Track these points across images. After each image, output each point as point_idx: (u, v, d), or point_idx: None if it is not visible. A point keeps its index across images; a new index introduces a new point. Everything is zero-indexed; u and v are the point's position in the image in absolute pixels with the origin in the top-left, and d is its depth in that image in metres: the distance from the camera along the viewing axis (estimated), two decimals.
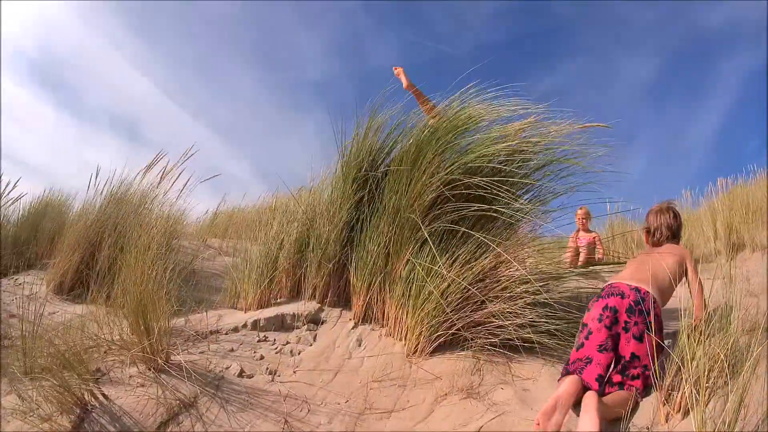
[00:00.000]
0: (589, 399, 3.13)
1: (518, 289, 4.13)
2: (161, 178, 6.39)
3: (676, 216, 4.21)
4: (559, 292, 4.47)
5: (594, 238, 8.41)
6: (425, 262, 4.38)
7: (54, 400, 3.82)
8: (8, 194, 6.79)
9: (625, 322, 3.36)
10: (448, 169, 4.52)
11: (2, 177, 5.70)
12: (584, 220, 8.60)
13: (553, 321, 3.95)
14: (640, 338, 3.31)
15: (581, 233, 8.52)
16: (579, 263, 7.09)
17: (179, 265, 5.32)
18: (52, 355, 4.21)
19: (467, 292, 4.12)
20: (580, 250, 7.98)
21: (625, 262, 4.47)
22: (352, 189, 5.31)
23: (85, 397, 3.87)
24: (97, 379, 4.16)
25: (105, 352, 4.58)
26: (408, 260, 4.56)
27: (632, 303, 3.36)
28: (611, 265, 5.32)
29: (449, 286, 4.15)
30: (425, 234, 4.40)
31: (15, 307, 6.55)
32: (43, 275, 7.56)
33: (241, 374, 4.34)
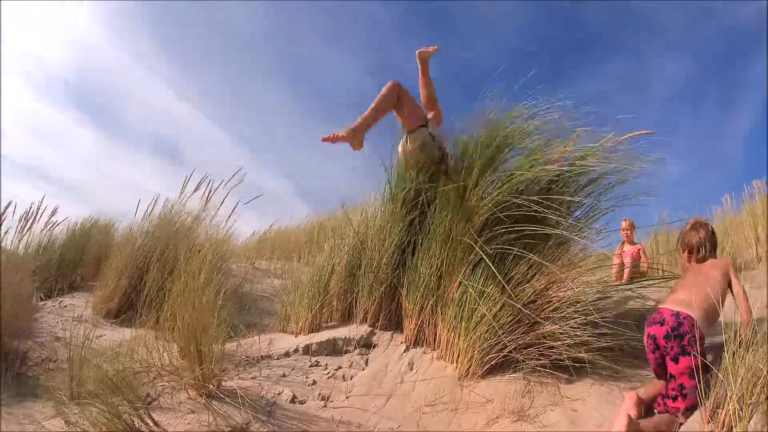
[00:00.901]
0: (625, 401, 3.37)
1: (569, 309, 4.10)
2: (206, 200, 6.35)
3: (712, 230, 4.26)
4: (608, 310, 4.44)
5: (639, 250, 8.31)
6: (478, 284, 4.37)
7: (102, 425, 3.79)
8: (52, 218, 6.72)
9: (664, 347, 3.46)
10: (499, 191, 4.55)
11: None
12: (629, 232, 8.51)
13: (604, 339, 3.94)
14: (675, 360, 3.40)
15: (626, 246, 8.40)
16: (624, 277, 6.90)
17: (228, 289, 5.19)
18: (101, 380, 4.21)
19: (519, 313, 4.12)
20: (625, 264, 7.81)
21: (671, 276, 4.36)
22: (402, 211, 5.35)
23: (135, 423, 3.87)
24: (147, 404, 4.17)
25: (154, 378, 4.56)
26: (460, 283, 4.54)
27: (669, 329, 3.45)
28: (658, 280, 5.12)
29: (501, 308, 4.16)
30: (480, 254, 4.42)
31: (60, 329, 6.57)
32: (89, 297, 7.64)
33: (293, 400, 4.34)
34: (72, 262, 9.43)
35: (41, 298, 7.74)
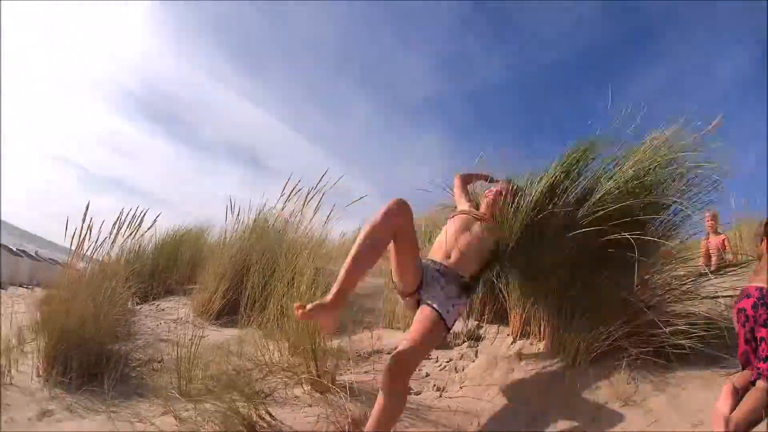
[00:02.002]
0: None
1: (667, 297, 4.41)
2: (304, 203, 6.44)
3: None
4: (702, 298, 4.59)
5: (723, 240, 8.29)
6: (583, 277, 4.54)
7: (217, 420, 4.04)
8: (140, 227, 6.89)
9: (753, 317, 3.60)
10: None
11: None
12: (713, 223, 8.48)
13: (699, 327, 4.10)
14: (765, 324, 3.54)
15: (711, 237, 8.37)
16: (711, 268, 6.92)
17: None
18: (213, 377, 4.32)
19: (623, 304, 4.30)
20: (711, 254, 7.81)
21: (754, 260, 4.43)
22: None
23: (253, 417, 4.07)
24: (263, 399, 4.36)
25: (266, 375, 4.83)
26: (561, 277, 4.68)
27: (756, 299, 3.62)
28: (743, 267, 5.16)
29: (606, 299, 4.33)
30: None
31: (162, 331, 6.71)
32: (185, 301, 7.80)
33: (409, 390, 4.47)
34: (165, 267, 9.84)
35: (137, 303, 7.93)
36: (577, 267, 4.57)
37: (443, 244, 4.42)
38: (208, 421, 4.08)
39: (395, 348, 4.93)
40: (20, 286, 13.23)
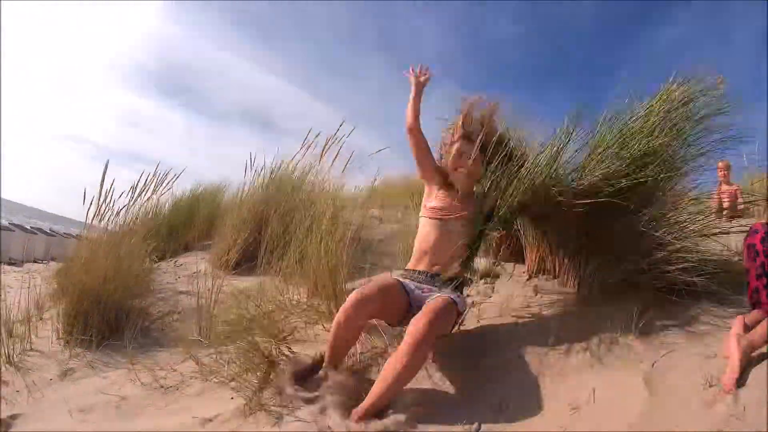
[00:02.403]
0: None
1: (680, 234, 4.34)
2: (322, 153, 6.50)
3: None
4: (714, 234, 4.63)
5: (736, 190, 8.29)
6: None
7: (239, 361, 4.13)
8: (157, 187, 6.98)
9: (764, 252, 3.57)
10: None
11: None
12: (725, 173, 8.47)
13: (711, 265, 4.14)
14: None
15: (723, 186, 8.37)
16: (723, 216, 6.93)
17: (348, 234, 5.60)
18: (233, 322, 4.42)
19: (636, 240, 4.32)
20: (724, 203, 7.83)
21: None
22: None
23: (273, 353, 4.16)
24: (285, 337, 4.58)
25: (285, 317, 4.96)
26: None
27: (764, 234, 3.61)
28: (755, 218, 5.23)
29: (618, 235, 4.37)
30: None
31: (181, 284, 6.84)
32: (203, 256, 7.89)
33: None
34: (183, 225, 9.95)
35: (155, 261, 8.03)
36: (589, 215, 4.51)
37: (424, 255, 4.27)
38: (229, 363, 4.20)
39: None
40: (35, 261, 13.35)
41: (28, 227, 18.33)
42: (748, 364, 3.08)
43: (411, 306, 3.97)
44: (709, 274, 4.05)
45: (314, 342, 4.60)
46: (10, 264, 12.59)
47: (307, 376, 3.82)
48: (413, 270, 4.26)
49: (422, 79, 4.63)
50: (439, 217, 4.29)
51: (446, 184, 4.52)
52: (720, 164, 8.46)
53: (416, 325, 3.47)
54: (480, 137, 4.35)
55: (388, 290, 3.90)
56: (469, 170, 4.39)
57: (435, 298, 3.79)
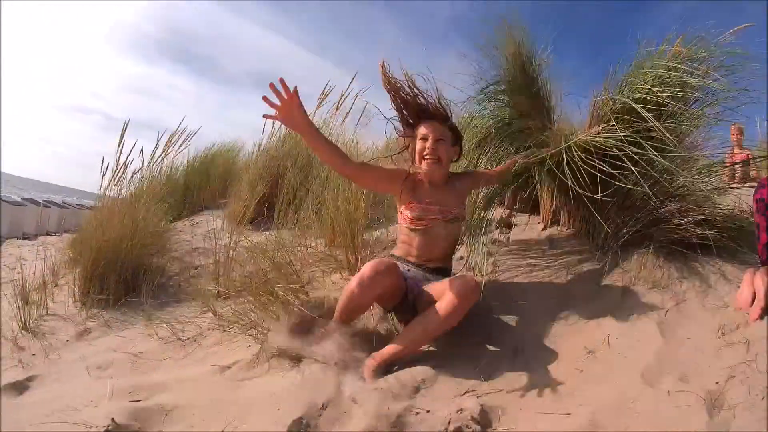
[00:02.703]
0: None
1: (691, 189, 4.40)
2: (337, 107, 6.53)
3: None
4: (725, 188, 4.79)
5: (748, 155, 8.22)
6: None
7: (257, 310, 4.18)
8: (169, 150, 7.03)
9: None
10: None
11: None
12: (739, 137, 8.42)
13: (723, 220, 4.19)
14: None
15: (735, 151, 8.31)
16: (735, 181, 6.91)
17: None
18: (251, 274, 4.46)
19: (652, 188, 4.27)
20: (736, 167, 7.78)
21: None
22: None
23: (290, 300, 4.19)
24: (303, 285, 4.64)
25: (302, 267, 5.02)
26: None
27: None
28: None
29: (634, 184, 4.29)
30: None
31: (197, 241, 6.91)
32: (218, 214, 7.94)
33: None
34: (198, 185, 9.91)
35: (171, 221, 8.09)
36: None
37: (411, 250, 3.98)
38: (245, 314, 4.23)
39: None
40: (47, 234, 13.44)
41: (41, 201, 18.45)
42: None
43: (407, 294, 3.76)
44: (721, 229, 4.06)
45: (332, 289, 4.62)
46: (23, 238, 12.70)
47: (309, 327, 3.79)
48: (402, 258, 4.02)
49: (294, 107, 3.58)
50: (421, 227, 3.90)
51: (415, 182, 4.00)
52: (732, 128, 8.45)
53: (463, 288, 3.41)
54: (449, 113, 4.03)
55: (398, 271, 3.59)
56: (448, 156, 4.00)
57: (451, 279, 3.58)
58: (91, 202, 10.36)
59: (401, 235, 4.09)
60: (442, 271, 4.00)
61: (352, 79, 6.72)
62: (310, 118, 3.67)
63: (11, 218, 14.25)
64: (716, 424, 2.23)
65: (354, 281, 3.45)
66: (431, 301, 3.52)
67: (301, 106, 3.57)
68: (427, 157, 3.87)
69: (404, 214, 3.97)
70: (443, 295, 3.45)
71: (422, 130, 3.92)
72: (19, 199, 16.87)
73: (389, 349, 3.44)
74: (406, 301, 3.74)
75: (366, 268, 3.44)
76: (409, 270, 3.88)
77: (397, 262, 3.80)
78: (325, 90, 7.35)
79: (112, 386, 3.33)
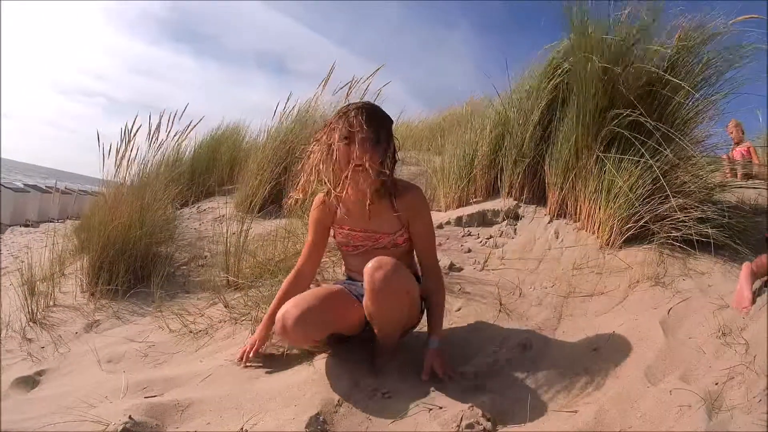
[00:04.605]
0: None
1: (693, 186, 4.52)
2: (348, 94, 6.60)
3: None
4: (730, 195, 4.96)
5: (747, 148, 8.35)
6: (614, 156, 4.76)
7: (267, 302, 4.09)
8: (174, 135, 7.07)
9: None
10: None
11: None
12: (737, 133, 8.55)
13: (725, 218, 4.31)
14: None
15: (734, 148, 8.44)
16: (738, 176, 7.03)
17: None
18: (261, 264, 4.51)
19: (653, 186, 4.49)
20: (737, 165, 7.89)
21: None
22: (544, 88, 5.74)
23: None
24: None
25: None
26: (598, 156, 4.93)
27: None
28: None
29: (637, 179, 4.53)
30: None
31: (205, 229, 6.97)
32: (225, 200, 7.97)
33: (451, 266, 4.89)
34: (204, 170, 9.96)
35: (177, 208, 8.13)
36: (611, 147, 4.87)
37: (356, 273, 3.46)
38: (260, 303, 4.31)
39: (438, 225, 5.41)
40: (50, 221, 13.51)
41: (43, 187, 18.53)
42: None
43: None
44: (722, 227, 4.23)
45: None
46: (26, 226, 12.76)
47: None
48: (351, 279, 3.59)
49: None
50: (356, 254, 3.42)
51: (342, 202, 3.33)
52: (729, 125, 8.50)
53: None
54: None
55: (334, 298, 3.25)
56: (374, 159, 3.04)
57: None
58: (94, 188, 10.40)
59: (344, 262, 3.74)
60: None
61: (375, 71, 6.80)
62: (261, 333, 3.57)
63: (14, 205, 14.36)
64: (715, 425, 2.36)
65: (278, 322, 3.12)
66: None
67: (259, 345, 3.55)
68: (360, 157, 3.01)
69: (337, 240, 3.53)
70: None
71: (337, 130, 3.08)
72: (22, 186, 16.97)
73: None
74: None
75: (289, 315, 3.07)
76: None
77: (347, 285, 3.49)
78: (332, 73, 7.39)
79: (126, 381, 3.36)
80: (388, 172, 3.11)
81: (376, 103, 4.42)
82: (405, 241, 3.34)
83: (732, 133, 8.94)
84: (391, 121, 3.23)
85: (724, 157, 8.34)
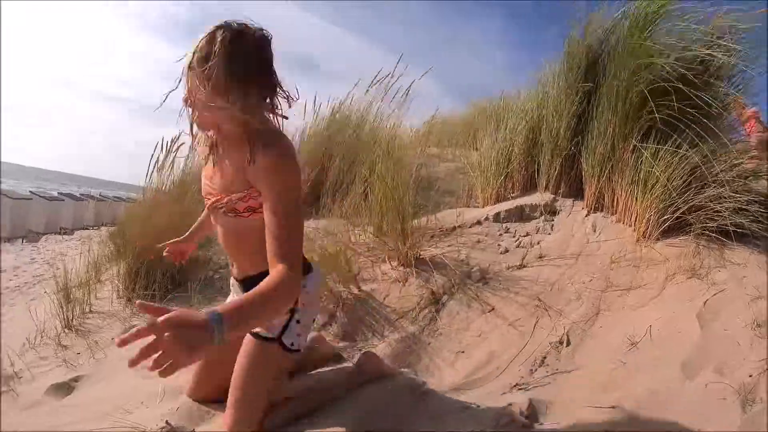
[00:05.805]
0: None
1: (727, 177, 4.46)
2: (384, 94, 6.74)
3: None
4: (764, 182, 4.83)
5: (754, 111, 8.31)
6: (651, 146, 4.77)
7: None
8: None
9: None
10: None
11: None
12: (739, 109, 8.57)
13: (759, 208, 4.29)
14: None
15: (745, 125, 8.42)
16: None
17: (412, 171, 6.08)
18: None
19: (690, 176, 4.51)
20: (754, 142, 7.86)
21: None
22: (578, 80, 5.74)
23: (342, 294, 4.52)
24: (354, 276, 4.79)
25: (350, 257, 5.08)
26: (635, 147, 4.95)
27: None
28: None
29: (674, 170, 4.53)
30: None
31: None
32: None
33: (490, 264, 4.93)
34: None
35: None
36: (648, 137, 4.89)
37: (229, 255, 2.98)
38: None
39: (476, 222, 5.45)
40: (84, 228, 13.63)
41: (78, 195, 18.75)
42: None
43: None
44: (757, 220, 4.23)
45: (382, 280, 4.84)
46: (61, 233, 12.91)
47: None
48: (234, 278, 2.98)
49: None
50: (210, 207, 2.72)
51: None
52: (735, 104, 8.47)
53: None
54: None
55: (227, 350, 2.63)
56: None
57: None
58: (129, 194, 10.53)
59: None
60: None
61: (397, 65, 6.85)
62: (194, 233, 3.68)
63: (49, 214, 14.57)
64: (749, 418, 2.44)
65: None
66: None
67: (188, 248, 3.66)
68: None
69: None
70: None
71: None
72: (56, 194, 17.20)
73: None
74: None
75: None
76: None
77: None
78: (366, 75, 7.46)
79: (163, 386, 3.31)
80: (235, 115, 2.31)
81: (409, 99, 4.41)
82: (248, 210, 2.51)
83: (747, 121, 8.87)
84: (265, 55, 2.39)
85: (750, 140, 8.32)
